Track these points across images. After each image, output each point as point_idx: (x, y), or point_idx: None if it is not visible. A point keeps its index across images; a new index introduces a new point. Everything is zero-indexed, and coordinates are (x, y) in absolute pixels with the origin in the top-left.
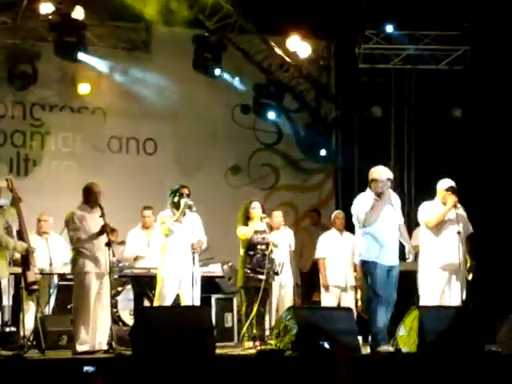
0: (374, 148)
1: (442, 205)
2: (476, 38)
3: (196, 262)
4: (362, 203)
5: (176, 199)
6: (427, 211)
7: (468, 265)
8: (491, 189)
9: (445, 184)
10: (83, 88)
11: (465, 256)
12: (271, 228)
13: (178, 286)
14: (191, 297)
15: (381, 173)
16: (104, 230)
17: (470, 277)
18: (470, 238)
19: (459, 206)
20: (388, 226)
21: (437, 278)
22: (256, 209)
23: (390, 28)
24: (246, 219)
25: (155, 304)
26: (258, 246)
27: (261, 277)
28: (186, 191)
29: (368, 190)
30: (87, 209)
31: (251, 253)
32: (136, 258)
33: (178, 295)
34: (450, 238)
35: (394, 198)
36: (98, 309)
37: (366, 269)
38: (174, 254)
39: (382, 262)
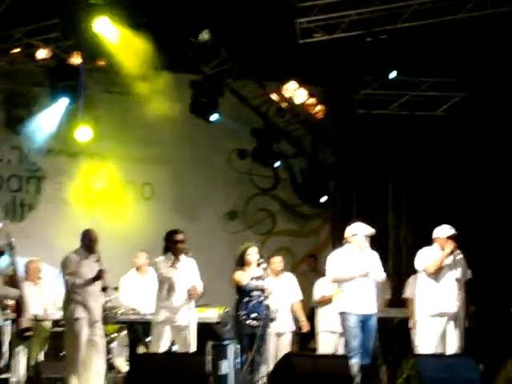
0: (371, 193)
1: (441, 251)
2: (473, 85)
3: (192, 308)
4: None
5: (170, 244)
6: (425, 257)
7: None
8: (489, 234)
9: (445, 232)
10: (82, 133)
11: (464, 302)
12: (267, 274)
13: (174, 331)
14: (187, 343)
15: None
16: (100, 275)
17: (470, 323)
18: (468, 283)
19: (458, 251)
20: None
21: (434, 324)
22: (252, 254)
23: (387, 74)
24: (242, 264)
25: (151, 350)
26: (253, 293)
27: (256, 323)
28: (180, 237)
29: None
30: (84, 254)
31: (246, 299)
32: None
33: (173, 341)
34: (448, 284)
35: (372, 254)
36: (92, 355)
37: (341, 319)
38: (170, 299)
39: (355, 312)
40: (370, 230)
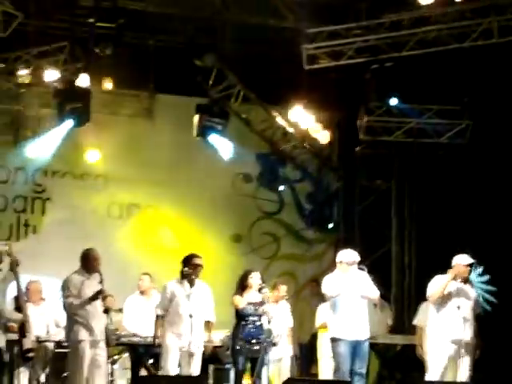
0: (375, 219)
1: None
2: (477, 112)
3: (200, 334)
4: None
5: (186, 269)
6: (435, 285)
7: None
8: (495, 263)
9: (464, 259)
10: (91, 155)
11: (475, 332)
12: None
13: (182, 356)
14: (191, 367)
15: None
16: (98, 295)
17: (478, 355)
18: (477, 318)
19: (470, 284)
20: (350, 302)
21: (446, 351)
22: (254, 278)
23: (392, 101)
24: (243, 288)
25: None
26: (250, 318)
27: (254, 348)
28: (198, 261)
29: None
30: (85, 275)
31: (243, 323)
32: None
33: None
34: (461, 312)
35: (361, 274)
36: (94, 377)
37: (331, 344)
38: (179, 324)
39: (347, 338)
40: (354, 258)
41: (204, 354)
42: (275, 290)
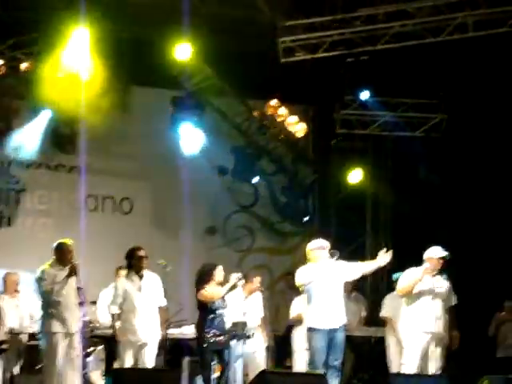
0: (350, 212)
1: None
2: (452, 106)
3: (155, 326)
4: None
5: (132, 262)
6: (403, 278)
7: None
8: (469, 256)
9: (437, 252)
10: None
11: (447, 325)
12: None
13: (135, 349)
14: (145, 361)
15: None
16: (72, 270)
17: (454, 346)
18: (452, 309)
19: (444, 276)
20: (324, 290)
21: (418, 343)
22: (219, 272)
23: (367, 95)
24: (206, 282)
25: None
26: (219, 311)
27: (221, 340)
28: (143, 253)
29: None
30: (59, 267)
31: (212, 316)
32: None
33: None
34: (431, 305)
35: (334, 262)
36: (68, 369)
37: (307, 334)
38: (133, 319)
39: (321, 327)
40: (321, 243)
41: (162, 341)
42: (249, 281)
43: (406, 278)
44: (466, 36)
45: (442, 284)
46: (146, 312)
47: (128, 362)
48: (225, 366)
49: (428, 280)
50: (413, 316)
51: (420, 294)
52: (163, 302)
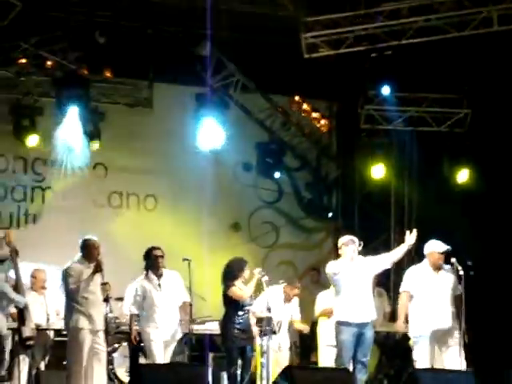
0: (374, 207)
1: (431, 268)
2: (476, 101)
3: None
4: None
5: (150, 261)
6: (409, 279)
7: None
8: (489, 250)
9: (438, 247)
10: (92, 143)
11: (456, 317)
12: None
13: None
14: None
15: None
16: (98, 266)
17: (467, 340)
18: (459, 298)
19: (448, 267)
20: (353, 283)
21: (428, 341)
22: (247, 270)
23: (391, 90)
24: (235, 278)
25: (148, 361)
26: (246, 308)
27: (246, 337)
28: (158, 253)
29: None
30: (85, 263)
31: (240, 313)
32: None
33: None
34: (438, 300)
35: (362, 260)
36: (93, 365)
37: (336, 329)
38: (156, 318)
39: (350, 320)
40: (351, 238)
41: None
42: (293, 286)
43: (407, 280)
44: (490, 30)
45: (447, 277)
46: (166, 310)
47: (159, 358)
48: (247, 362)
49: (432, 276)
50: (420, 313)
51: (426, 292)
52: (187, 298)
